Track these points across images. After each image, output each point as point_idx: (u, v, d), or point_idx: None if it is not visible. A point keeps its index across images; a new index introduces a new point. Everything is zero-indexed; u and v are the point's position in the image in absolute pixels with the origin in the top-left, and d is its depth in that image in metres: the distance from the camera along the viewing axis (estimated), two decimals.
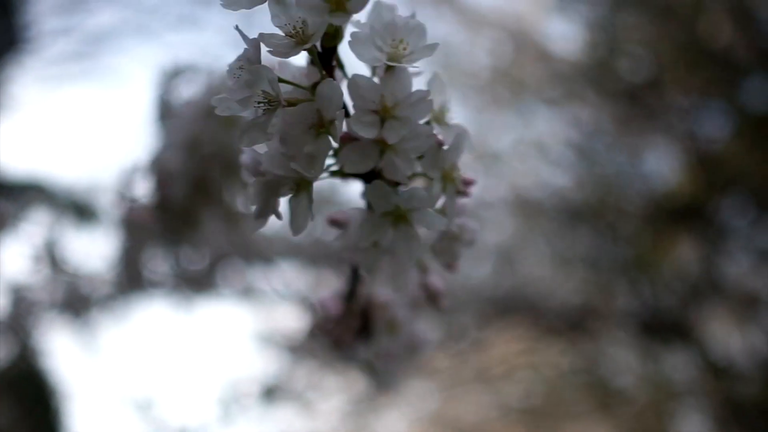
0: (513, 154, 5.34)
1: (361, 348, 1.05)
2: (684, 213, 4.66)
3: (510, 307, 4.20)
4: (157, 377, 4.53)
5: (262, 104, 0.67)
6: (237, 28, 0.69)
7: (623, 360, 5.18)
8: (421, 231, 0.72)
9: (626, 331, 4.73)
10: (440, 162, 0.72)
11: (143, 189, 1.76)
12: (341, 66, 0.74)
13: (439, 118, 0.75)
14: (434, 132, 0.71)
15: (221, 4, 0.70)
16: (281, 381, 4.39)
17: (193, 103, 1.54)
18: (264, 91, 0.66)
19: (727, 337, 4.76)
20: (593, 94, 5.02)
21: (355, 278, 1.00)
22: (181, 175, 1.51)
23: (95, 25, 4.62)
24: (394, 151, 0.68)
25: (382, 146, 0.69)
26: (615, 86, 4.89)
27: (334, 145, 0.69)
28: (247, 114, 0.69)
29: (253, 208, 0.72)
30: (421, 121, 0.70)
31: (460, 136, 0.73)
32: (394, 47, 0.70)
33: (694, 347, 4.64)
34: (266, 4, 0.70)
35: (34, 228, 3.39)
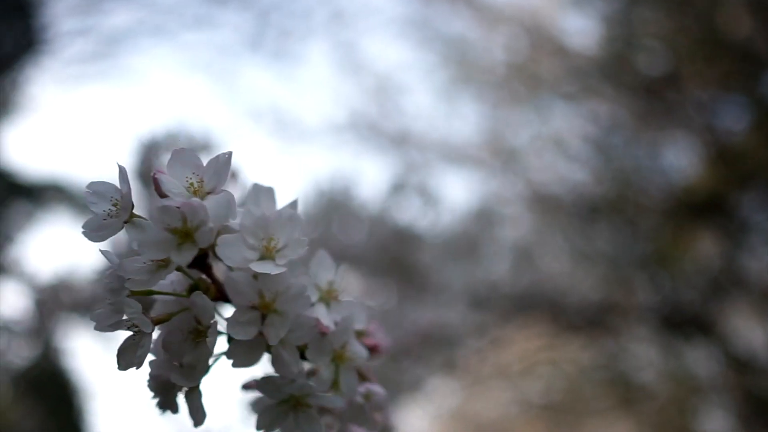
0: (530, 150, 5.32)
1: None
2: (704, 207, 4.63)
3: (529, 303, 4.18)
4: None
5: (133, 329, 0.68)
6: (102, 251, 0.70)
7: (644, 356, 5.15)
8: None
9: (647, 327, 4.70)
10: (326, 348, 0.73)
11: None
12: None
13: (328, 298, 0.76)
14: (317, 320, 0.72)
15: (82, 233, 0.71)
16: None
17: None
18: (130, 319, 0.67)
19: (749, 331, 4.73)
20: (611, 88, 5.00)
21: None
22: None
23: (112, 26, 4.65)
24: (281, 344, 0.69)
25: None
26: (632, 80, 4.86)
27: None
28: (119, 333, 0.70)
29: (155, 401, 0.74)
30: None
31: (347, 318, 0.73)
32: (266, 244, 0.69)
33: (715, 342, 4.61)
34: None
35: (54, 228, 3.41)
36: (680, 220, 4.75)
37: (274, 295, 0.68)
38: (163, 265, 0.67)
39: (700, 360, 4.86)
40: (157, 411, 0.74)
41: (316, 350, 0.72)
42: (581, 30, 5.31)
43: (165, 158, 1.71)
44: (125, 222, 0.68)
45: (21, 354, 3.26)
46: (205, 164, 0.69)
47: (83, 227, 0.70)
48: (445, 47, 5.51)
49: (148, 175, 1.69)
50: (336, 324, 0.74)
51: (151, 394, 0.73)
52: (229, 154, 0.69)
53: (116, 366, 0.70)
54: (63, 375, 3.94)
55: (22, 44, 4.36)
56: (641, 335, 4.88)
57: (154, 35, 5.02)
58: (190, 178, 0.68)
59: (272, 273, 0.67)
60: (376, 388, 0.79)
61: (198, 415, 0.72)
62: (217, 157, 0.69)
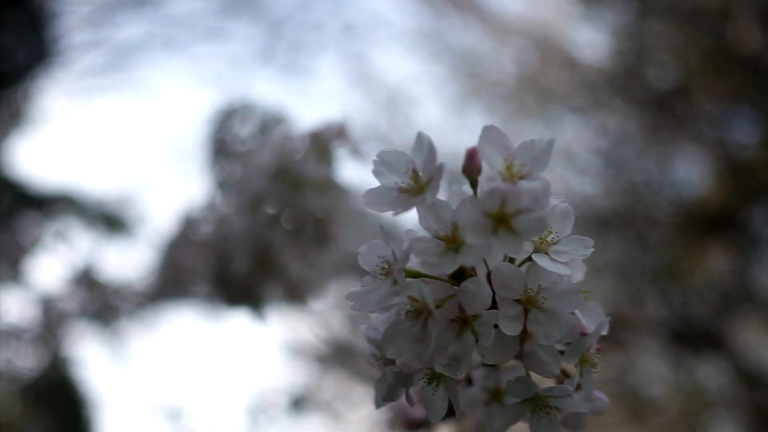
0: None
1: None
2: (714, 221, 4.61)
3: None
4: (187, 387, 4.55)
5: (406, 310, 0.64)
6: (381, 228, 0.66)
7: (654, 370, 5.13)
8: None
9: (657, 341, 4.68)
10: (582, 350, 0.70)
11: (200, 233, 1.75)
12: None
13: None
14: (579, 320, 0.69)
15: (363, 203, 0.68)
16: (309, 391, 4.39)
17: (258, 160, 1.49)
18: (411, 297, 0.64)
19: (759, 346, 4.70)
20: (621, 101, 4.99)
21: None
22: (244, 249, 1.47)
23: (124, 39, 4.68)
24: (537, 343, 0.66)
25: (521, 336, 0.65)
26: (643, 94, 4.86)
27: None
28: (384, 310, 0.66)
29: (378, 391, 0.69)
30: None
31: (603, 323, 0.71)
32: (542, 238, 0.67)
33: (726, 356, 4.58)
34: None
35: (64, 239, 3.42)
36: (691, 234, 4.74)
37: (537, 291, 0.65)
38: (452, 249, 0.63)
39: (710, 374, 4.83)
40: (379, 402, 0.70)
41: (573, 351, 0.69)
42: (591, 43, 5.31)
43: (239, 128, 1.71)
44: (430, 204, 0.64)
45: (29, 363, 3.27)
46: (516, 147, 0.66)
47: (363, 198, 0.67)
48: (456, 60, 5.52)
49: (223, 144, 1.68)
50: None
51: (379, 384, 0.69)
52: (551, 141, 0.66)
53: (386, 353, 0.65)
54: (71, 385, 3.95)
55: (35, 56, 4.38)
56: (651, 349, 4.86)
57: (165, 48, 5.04)
58: (507, 159, 0.65)
59: (555, 271, 0.65)
60: (603, 396, 0.78)
61: (438, 408, 0.67)
62: (534, 141, 0.67)
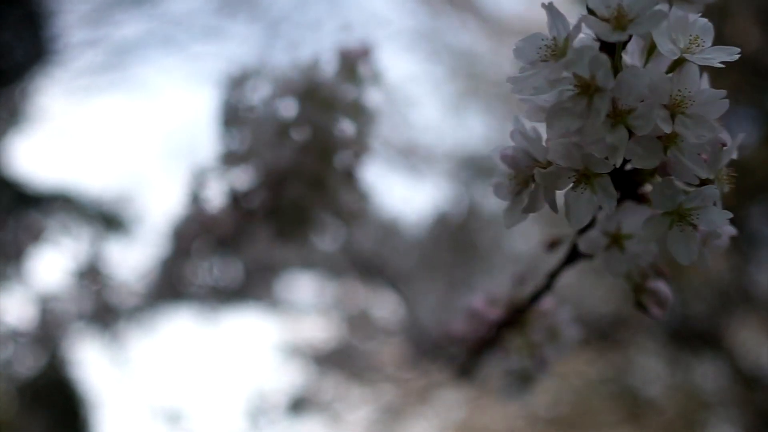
0: None
1: (495, 357, 1.07)
2: None
3: None
4: (185, 389, 4.55)
5: (571, 88, 0.64)
6: (547, 5, 0.67)
7: (652, 369, 5.13)
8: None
9: (655, 341, 4.68)
10: (720, 163, 0.70)
11: (218, 192, 1.72)
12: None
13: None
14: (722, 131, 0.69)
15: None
16: (308, 392, 4.38)
17: (285, 81, 1.46)
18: (576, 74, 0.64)
19: (758, 346, 4.70)
20: None
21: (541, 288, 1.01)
22: (294, 171, 1.45)
23: (122, 37, 4.67)
24: (680, 150, 0.66)
25: (665, 143, 0.66)
26: None
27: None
28: (545, 97, 0.67)
29: (519, 199, 0.70)
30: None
31: (742, 136, 0.72)
32: (691, 42, 0.68)
33: (724, 356, 4.58)
34: None
35: (62, 238, 3.42)
36: None
37: (682, 98, 0.65)
38: (619, 28, 0.64)
39: (708, 374, 4.83)
40: (519, 213, 0.70)
41: (713, 162, 0.69)
42: None
43: (252, 93, 1.69)
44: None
45: (27, 364, 3.26)
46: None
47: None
48: (454, 60, 5.52)
49: (236, 109, 1.66)
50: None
51: (528, 192, 0.69)
52: None
53: (550, 130, 0.65)
54: (69, 385, 3.94)
55: (33, 54, 4.38)
56: (649, 349, 4.86)
57: (163, 46, 5.05)
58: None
59: (704, 63, 0.66)
60: (730, 228, 0.78)
61: (584, 212, 0.67)
62: None
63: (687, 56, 0.67)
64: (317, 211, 1.50)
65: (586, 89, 0.64)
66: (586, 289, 4.78)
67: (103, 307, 2.89)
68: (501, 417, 5.66)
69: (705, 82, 0.71)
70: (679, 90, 0.66)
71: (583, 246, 0.80)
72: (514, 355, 1.06)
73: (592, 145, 0.65)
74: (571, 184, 0.67)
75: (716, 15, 4.38)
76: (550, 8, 0.67)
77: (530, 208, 0.70)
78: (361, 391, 4.67)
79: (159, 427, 3.71)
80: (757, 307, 4.60)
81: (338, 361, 3.89)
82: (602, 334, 4.48)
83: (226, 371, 4.90)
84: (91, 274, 2.90)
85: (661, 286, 0.88)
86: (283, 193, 1.46)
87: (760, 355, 4.65)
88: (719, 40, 0.72)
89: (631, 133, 0.65)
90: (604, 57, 0.63)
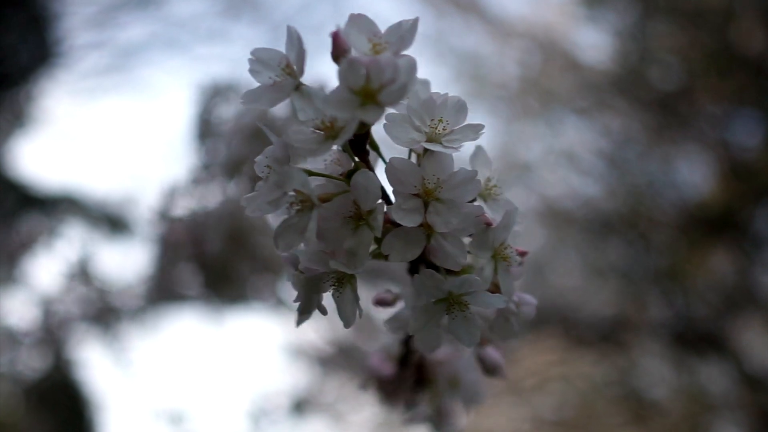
0: (543, 164, 5.31)
1: (418, 403, 1.03)
2: (717, 222, 4.60)
3: (541, 318, 4.16)
4: (189, 390, 4.55)
5: (294, 204, 0.64)
6: (262, 126, 0.67)
7: (657, 372, 5.12)
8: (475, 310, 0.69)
9: (660, 343, 4.67)
10: (489, 243, 0.68)
11: (182, 209, 1.74)
12: (376, 148, 0.70)
13: (486, 194, 0.72)
14: (482, 209, 0.68)
15: (241, 102, 0.68)
16: (311, 393, 4.38)
17: (238, 122, 1.48)
18: (296, 191, 0.63)
19: (762, 348, 4.69)
20: (623, 103, 4.99)
21: (408, 347, 0.97)
22: (217, 229, 1.45)
23: (126, 39, 4.68)
24: (442, 235, 0.65)
25: (427, 230, 0.65)
26: (646, 95, 4.85)
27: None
28: (277, 214, 0.66)
29: (297, 303, 0.70)
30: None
31: (510, 213, 0.69)
32: (433, 127, 0.66)
33: (729, 359, 4.57)
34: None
35: (66, 240, 3.42)
36: (693, 236, 4.73)
37: (436, 184, 0.64)
38: (331, 136, 0.63)
39: (712, 376, 4.83)
40: (297, 319, 0.70)
41: (480, 243, 0.68)
42: (594, 44, 5.31)
43: (224, 107, 1.70)
44: (295, 88, 0.65)
45: (32, 365, 3.26)
46: (383, 31, 0.65)
47: (242, 98, 0.67)
48: (459, 62, 5.52)
49: (208, 123, 1.67)
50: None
51: (295, 296, 0.69)
52: (415, 20, 0.65)
53: (277, 248, 0.65)
54: (74, 387, 3.95)
55: (37, 57, 4.39)
56: (654, 351, 4.85)
57: (168, 48, 5.05)
58: (372, 40, 0.65)
59: (444, 152, 0.64)
60: (530, 298, 0.76)
61: (349, 312, 0.68)
62: (400, 23, 0.66)
63: (427, 145, 0.65)
64: (239, 265, 1.50)
65: (305, 205, 0.64)
66: (590, 292, 4.78)
67: (105, 309, 2.89)
68: (506, 420, 5.65)
69: (476, 160, 0.70)
70: (433, 176, 0.65)
71: (390, 328, 0.79)
72: (423, 404, 1.03)
73: (333, 251, 0.65)
74: (333, 286, 0.67)
75: (721, 17, 4.38)
76: (265, 131, 0.66)
77: (303, 311, 0.70)
78: (364, 393, 4.67)
79: (162, 428, 3.72)
80: (762, 309, 4.59)
81: (342, 361, 3.89)
82: (606, 337, 4.47)
83: (230, 372, 4.90)
84: (84, 276, 2.90)
85: (490, 353, 0.88)
86: (208, 250, 1.47)
87: (764, 357, 4.64)
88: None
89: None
90: (305, 176, 0.63)
